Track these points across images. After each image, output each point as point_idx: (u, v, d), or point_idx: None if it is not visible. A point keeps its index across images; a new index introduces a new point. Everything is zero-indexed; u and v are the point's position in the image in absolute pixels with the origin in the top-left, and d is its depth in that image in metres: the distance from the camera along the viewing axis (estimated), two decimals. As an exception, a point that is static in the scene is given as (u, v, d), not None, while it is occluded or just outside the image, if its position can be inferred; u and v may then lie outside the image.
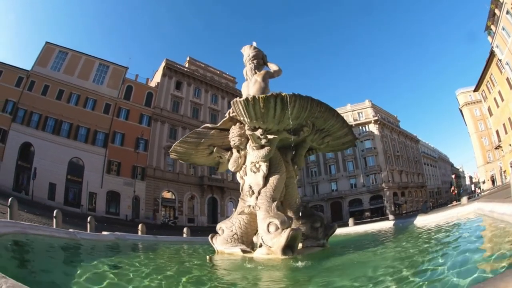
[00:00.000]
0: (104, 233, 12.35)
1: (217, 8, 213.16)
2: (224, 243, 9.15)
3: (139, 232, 15.93)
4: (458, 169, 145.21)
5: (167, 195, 59.85)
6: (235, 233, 9.13)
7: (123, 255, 8.44)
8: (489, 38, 55.74)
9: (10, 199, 12.74)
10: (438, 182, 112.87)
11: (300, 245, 8.74)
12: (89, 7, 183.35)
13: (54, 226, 12.60)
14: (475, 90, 70.36)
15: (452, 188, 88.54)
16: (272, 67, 11.55)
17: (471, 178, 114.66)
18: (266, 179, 9.29)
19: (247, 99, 7.78)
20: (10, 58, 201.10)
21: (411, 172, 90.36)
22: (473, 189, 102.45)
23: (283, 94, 7.60)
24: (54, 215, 13.59)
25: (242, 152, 9.99)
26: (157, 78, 66.46)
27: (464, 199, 14.17)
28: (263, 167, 9.32)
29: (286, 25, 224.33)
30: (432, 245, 6.08)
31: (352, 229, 15.10)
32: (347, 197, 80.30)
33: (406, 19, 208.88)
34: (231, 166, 10.43)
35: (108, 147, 55.46)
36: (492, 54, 55.92)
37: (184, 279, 5.34)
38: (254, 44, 11.87)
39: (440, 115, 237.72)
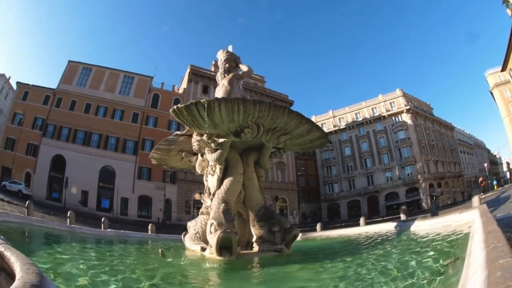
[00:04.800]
0: (108, 230, 13.92)
1: (241, 7, 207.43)
2: (190, 241, 9.69)
3: (149, 231, 16.63)
4: (495, 156, 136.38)
5: (199, 197, 57.39)
6: (197, 232, 9.56)
7: (104, 246, 9.82)
8: (508, 11, 50.11)
9: (27, 202, 13.39)
10: (475, 170, 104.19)
11: (256, 248, 8.94)
12: (107, 21, 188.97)
13: (68, 224, 13.09)
14: (502, 70, 64.32)
15: (481, 179, 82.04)
16: (243, 68, 11.68)
17: (508, 164, 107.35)
18: (221, 181, 9.35)
19: (173, 109, 7.91)
20: (34, 78, 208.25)
21: (447, 161, 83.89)
22: (508, 176, 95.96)
23: (201, 101, 7.51)
24: (68, 215, 13.87)
25: (205, 156, 9.97)
26: (185, 84, 65.56)
27: (475, 200, 11.09)
28: (217, 169, 9.38)
29: (311, 20, 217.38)
30: (381, 268, 5.28)
31: (355, 230, 14.34)
32: (383, 190, 75.56)
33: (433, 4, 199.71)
34: (197, 169, 10.80)
35: (138, 154, 55.16)
36: (514, 28, 50.00)
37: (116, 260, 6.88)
38: (230, 48, 12.08)
39: (474, 99, 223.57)
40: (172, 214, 53.79)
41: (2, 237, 3.57)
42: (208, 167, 9.80)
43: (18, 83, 56.41)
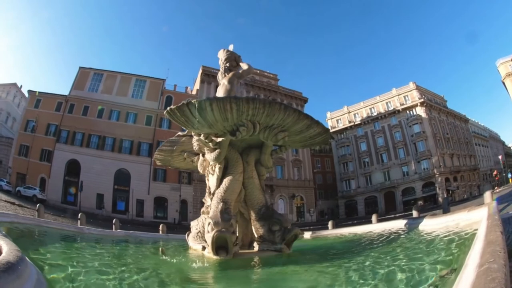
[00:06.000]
0: (118, 230, 14.28)
1: (253, 5, 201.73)
2: (192, 240, 9.76)
3: (160, 232, 16.84)
4: (509, 148, 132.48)
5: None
6: (199, 231, 9.59)
7: (106, 244, 9.88)
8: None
9: (38, 205, 13.68)
10: (490, 163, 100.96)
11: (256, 248, 8.82)
12: (117, 27, 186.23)
13: (79, 225, 13.37)
14: (513, 59, 62.25)
15: (495, 172, 79.20)
16: (243, 66, 11.50)
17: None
18: (221, 180, 9.25)
19: (167, 110, 7.91)
20: (45, 86, 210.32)
21: (462, 154, 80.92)
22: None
23: (193, 101, 7.39)
24: (79, 217, 14.17)
25: (206, 156, 9.93)
26: (198, 85, 64.43)
27: (487, 195, 10.28)
28: (217, 169, 9.31)
29: (322, 16, 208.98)
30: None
31: (366, 228, 13.94)
32: (400, 186, 73.39)
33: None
34: (199, 169, 10.79)
35: (153, 156, 52.88)
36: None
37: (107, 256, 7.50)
38: (231, 47, 11.91)
39: (487, 89, 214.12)
40: (188, 215, 52.60)
41: (3, 232, 4.19)
42: (209, 166, 9.82)
43: (29, 91, 56.80)
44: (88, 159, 51.32)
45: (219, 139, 8.60)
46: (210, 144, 8.66)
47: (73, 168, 51.07)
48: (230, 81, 10.71)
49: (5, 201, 27.52)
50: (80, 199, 46.57)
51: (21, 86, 76.71)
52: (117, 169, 52.73)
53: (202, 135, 8.64)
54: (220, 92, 10.59)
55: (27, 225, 8.51)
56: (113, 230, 14.44)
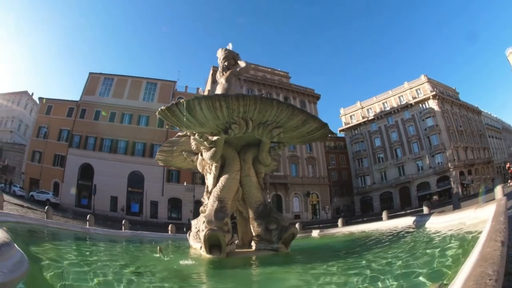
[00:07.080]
0: (125, 230, 14.43)
1: (261, 5, 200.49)
2: (193, 239, 9.67)
3: (169, 231, 17.16)
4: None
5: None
6: (198, 230, 9.09)
7: (108, 243, 10.07)
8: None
9: (46, 207, 14.04)
10: (504, 155, 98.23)
11: (253, 247, 8.64)
12: (125, 30, 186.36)
13: (87, 226, 13.51)
14: (523, 48, 60.12)
15: (508, 165, 76.71)
16: (241, 64, 11.46)
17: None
18: (217, 179, 9.10)
19: (158, 111, 7.74)
20: (54, 92, 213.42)
21: (476, 147, 78.82)
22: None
23: (181, 101, 7.25)
24: (87, 218, 14.32)
25: (203, 155, 9.71)
26: (209, 86, 63.81)
27: (498, 190, 9.76)
28: (213, 167, 9.23)
29: (331, 12, 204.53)
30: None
31: (374, 225, 13.51)
32: (415, 181, 71.84)
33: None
34: (198, 168, 10.67)
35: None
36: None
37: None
38: (229, 46, 11.96)
39: (499, 80, 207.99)
40: (202, 215, 52.04)
41: (4, 228, 4.31)
42: (207, 165, 9.77)
43: (40, 98, 57.57)
44: (101, 163, 51.40)
45: (214, 138, 8.51)
46: (205, 142, 8.62)
47: (86, 172, 51.07)
48: (227, 80, 10.70)
49: (15, 204, 27.15)
50: (93, 202, 46.52)
51: (32, 93, 78.08)
52: (130, 171, 52.60)
53: (196, 134, 8.63)
54: (218, 91, 10.47)
55: (32, 225, 8.54)
56: (123, 229, 14.82)
